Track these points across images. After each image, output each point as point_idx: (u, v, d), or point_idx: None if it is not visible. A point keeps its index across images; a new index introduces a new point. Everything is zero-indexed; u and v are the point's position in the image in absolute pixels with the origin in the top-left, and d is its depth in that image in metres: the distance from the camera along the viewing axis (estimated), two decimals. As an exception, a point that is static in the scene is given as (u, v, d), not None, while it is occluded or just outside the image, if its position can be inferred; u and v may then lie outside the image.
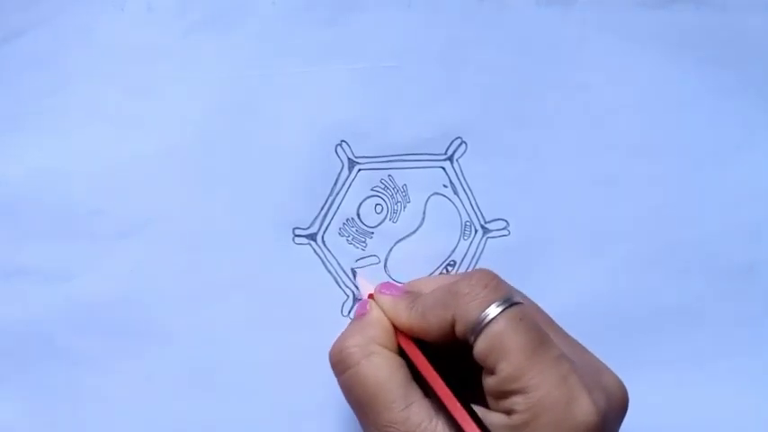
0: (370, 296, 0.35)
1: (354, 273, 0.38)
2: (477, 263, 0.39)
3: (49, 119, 0.38)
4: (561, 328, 0.33)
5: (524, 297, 0.33)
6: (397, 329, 0.33)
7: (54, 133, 0.38)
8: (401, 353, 0.33)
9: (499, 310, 0.30)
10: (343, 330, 0.34)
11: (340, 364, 0.32)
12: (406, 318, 0.33)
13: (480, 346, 0.30)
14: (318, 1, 0.39)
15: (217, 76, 0.39)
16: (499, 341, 0.29)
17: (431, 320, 0.32)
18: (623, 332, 0.39)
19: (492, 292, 0.31)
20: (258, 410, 0.38)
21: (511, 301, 0.30)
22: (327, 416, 0.38)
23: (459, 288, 0.31)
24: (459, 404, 0.29)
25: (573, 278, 0.39)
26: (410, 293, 0.34)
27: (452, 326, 0.31)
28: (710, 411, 0.39)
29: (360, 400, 0.31)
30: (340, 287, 0.38)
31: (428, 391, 0.31)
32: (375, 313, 0.34)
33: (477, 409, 0.30)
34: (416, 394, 0.31)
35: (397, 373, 0.31)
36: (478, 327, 0.30)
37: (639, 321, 0.39)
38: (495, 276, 0.32)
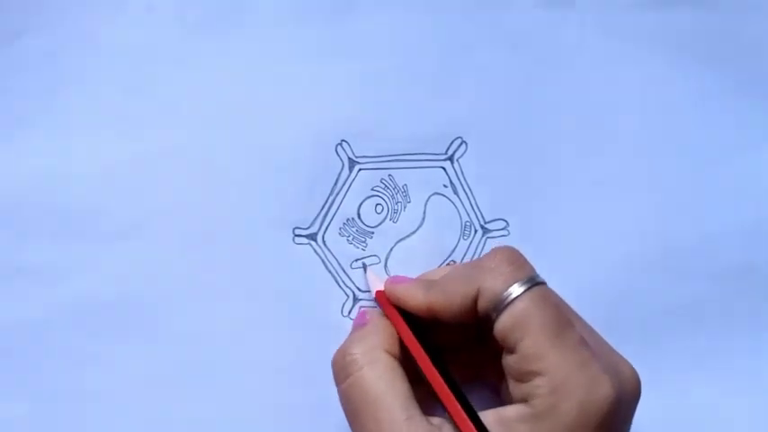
0: (379, 294, 0.35)
1: (365, 267, 0.38)
2: (477, 263, 0.39)
3: (49, 119, 0.38)
4: (577, 314, 0.33)
5: (543, 279, 0.32)
6: (402, 331, 0.33)
7: (54, 133, 0.38)
8: (403, 360, 0.32)
9: (524, 288, 0.30)
10: (344, 340, 0.34)
11: (343, 371, 0.32)
12: (424, 296, 0.33)
13: (503, 323, 0.30)
14: (318, 1, 0.39)
15: (217, 76, 0.39)
16: (523, 319, 0.29)
17: (453, 296, 0.31)
18: (623, 332, 0.39)
19: (517, 269, 0.31)
20: (258, 410, 0.38)
21: (535, 281, 0.30)
22: (328, 416, 0.37)
23: (485, 263, 0.31)
24: (459, 406, 0.29)
25: (572, 278, 0.39)
26: (424, 280, 0.34)
27: (474, 301, 0.31)
28: (711, 411, 0.39)
29: (360, 407, 0.31)
30: (340, 287, 0.38)
31: (426, 407, 0.31)
32: (376, 320, 0.34)
33: (490, 411, 0.30)
34: (416, 409, 0.30)
35: (401, 384, 0.31)
36: (502, 303, 0.30)
37: (639, 321, 0.39)
38: (521, 255, 0.32)
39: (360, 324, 0.34)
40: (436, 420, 0.30)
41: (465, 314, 0.31)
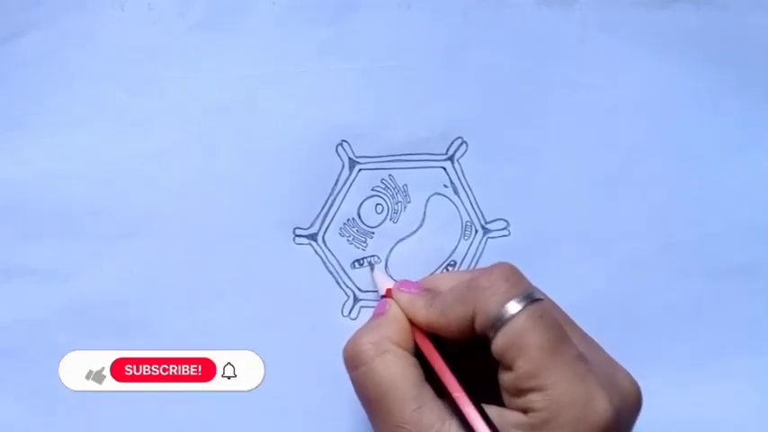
0: (388, 292, 0.35)
1: (372, 267, 0.38)
2: (477, 263, 0.39)
3: (49, 119, 0.38)
4: (577, 326, 0.33)
5: (542, 293, 0.32)
6: (415, 327, 0.33)
7: (54, 133, 0.38)
8: (417, 354, 0.32)
9: (520, 306, 0.30)
10: (359, 327, 0.33)
11: (353, 360, 0.32)
12: (424, 315, 0.33)
13: (499, 342, 0.30)
14: (318, 1, 0.39)
15: (217, 76, 0.39)
16: (518, 338, 0.29)
17: (450, 317, 0.31)
18: (623, 332, 0.39)
19: (513, 286, 0.30)
20: (258, 410, 0.38)
21: (532, 297, 0.30)
22: (328, 416, 0.38)
23: (480, 282, 0.31)
24: (471, 404, 0.29)
25: (573, 278, 0.39)
26: (428, 291, 0.34)
27: (472, 321, 0.31)
28: (711, 411, 0.39)
29: (371, 397, 0.31)
30: (340, 287, 0.38)
31: (442, 393, 0.31)
32: (393, 312, 0.34)
33: (494, 408, 0.30)
34: (429, 395, 0.30)
35: (411, 373, 0.31)
36: (498, 322, 0.30)
37: (639, 321, 0.39)
38: (516, 270, 0.31)
39: (379, 313, 0.34)
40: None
41: (464, 334, 0.31)
